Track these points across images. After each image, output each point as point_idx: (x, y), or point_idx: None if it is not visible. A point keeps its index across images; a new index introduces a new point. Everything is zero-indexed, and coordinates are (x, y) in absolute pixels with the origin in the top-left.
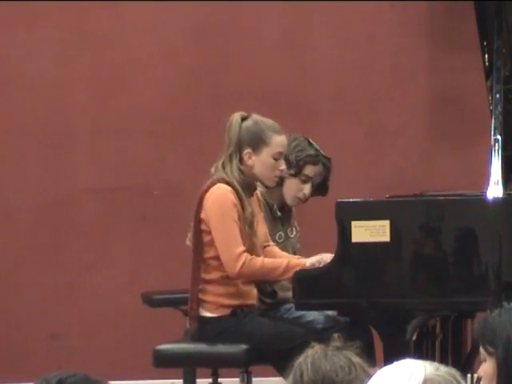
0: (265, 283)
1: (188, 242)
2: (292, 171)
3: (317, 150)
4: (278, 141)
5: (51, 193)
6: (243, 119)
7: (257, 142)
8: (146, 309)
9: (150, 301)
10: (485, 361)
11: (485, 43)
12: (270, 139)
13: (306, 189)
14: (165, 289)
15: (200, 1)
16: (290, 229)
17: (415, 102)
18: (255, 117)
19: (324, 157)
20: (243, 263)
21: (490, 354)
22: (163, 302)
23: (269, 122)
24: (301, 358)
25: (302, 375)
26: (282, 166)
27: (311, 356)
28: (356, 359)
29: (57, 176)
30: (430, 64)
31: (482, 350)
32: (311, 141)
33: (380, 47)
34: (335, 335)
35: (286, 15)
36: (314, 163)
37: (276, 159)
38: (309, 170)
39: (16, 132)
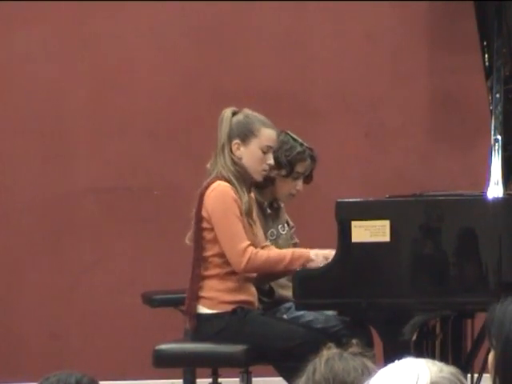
0: (262, 281)
1: (187, 241)
2: (284, 172)
3: (301, 144)
4: (267, 133)
5: (51, 193)
6: (234, 114)
7: (246, 133)
8: (146, 309)
9: (150, 301)
10: (489, 351)
11: (485, 43)
12: (258, 131)
13: (299, 185)
14: (165, 289)
15: (200, 1)
16: (281, 225)
17: (415, 102)
18: (246, 111)
19: (309, 149)
20: (249, 258)
21: (493, 346)
22: (163, 302)
23: (259, 116)
24: (316, 357)
25: (314, 372)
26: (270, 160)
27: (326, 355)
28: (371, 365)
29: (57, 176)
30: (430, 64)
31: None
32: (292, 134)
33: (380, 47)
34: (353, 341)
35: (286, 15)
36: (304, 159)
37: (264, 152)
38: (300, 167)
39: (16, 132)
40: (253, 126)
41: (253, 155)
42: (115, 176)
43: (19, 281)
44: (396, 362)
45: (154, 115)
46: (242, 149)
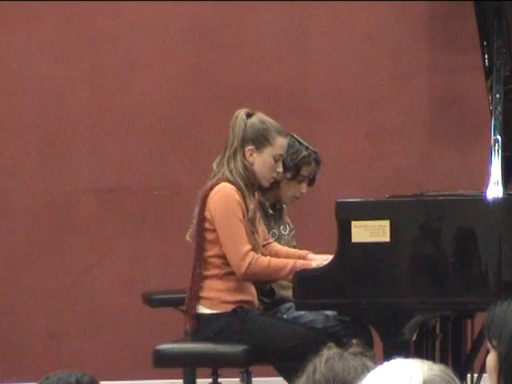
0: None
1: (188, 238)
2: (289, 175)
3: (307, 147)
4: (281, 142)
5: (51, 193)
6: (248, 116)
7: (261, 140)
8: (146, 309)
9: (150, 301)
10: (488, 352)
11: (485, 43)
12: (274, 139)
13: (303, 188)
14: (165, 289)
15: (199, 1)
16: (282, 226)
17: (415, 102)
18: (260, 115)
19: (314, 152)
20: (250, 262)
21: (493, 347)
22: (163, 302)
23: (273, 122)
24: (316, 357)
25: (314, 372)
26: (280, 168)
27: (326, 355)
28: (371, 365)
29: (57, 176)
30: (430, 64)
31: (487, 339)
32: (297, 137)
33: (380, 47)
34: (353, 341)
35: (286, 15)
36: (309, 163)
37: (276, 160)
38: (305, 171)
39: (16, 132)
40: (269, 133)
41: (265, 163)
42: (115, 176)
43: (19, 281)
44: (385, 363)
45: (154, 115)
46: (254, 155)
